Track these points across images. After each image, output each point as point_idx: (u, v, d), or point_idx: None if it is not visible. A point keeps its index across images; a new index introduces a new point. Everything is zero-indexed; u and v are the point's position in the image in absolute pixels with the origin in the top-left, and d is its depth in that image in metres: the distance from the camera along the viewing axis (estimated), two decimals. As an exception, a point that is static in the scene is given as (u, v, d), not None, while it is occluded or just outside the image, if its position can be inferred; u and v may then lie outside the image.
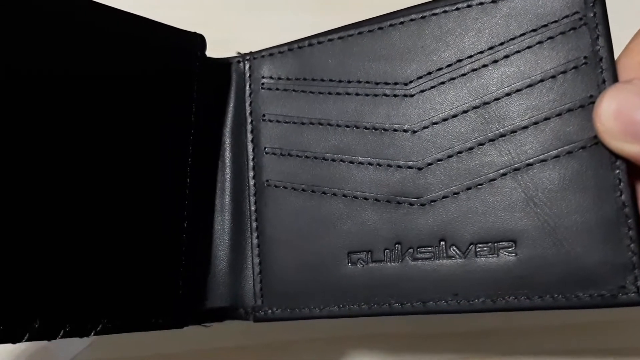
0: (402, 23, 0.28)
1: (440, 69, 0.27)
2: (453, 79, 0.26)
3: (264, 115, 0.31)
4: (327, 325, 0.35)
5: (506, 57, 0.25)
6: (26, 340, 0.23)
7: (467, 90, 0.26)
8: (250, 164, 0.31)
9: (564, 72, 0.24)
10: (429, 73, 0.27)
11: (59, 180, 0.25)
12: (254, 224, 0.30)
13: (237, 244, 0.30)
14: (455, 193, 0.25)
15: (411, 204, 0.26)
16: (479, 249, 0.25)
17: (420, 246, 0.26)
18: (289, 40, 0.31)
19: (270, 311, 0.29)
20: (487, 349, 0.35)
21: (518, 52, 0.25)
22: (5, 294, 0.23)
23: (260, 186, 0.30)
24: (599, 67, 0.24)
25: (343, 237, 0.27)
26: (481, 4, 0.26)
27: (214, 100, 0.32)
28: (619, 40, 0.24)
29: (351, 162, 0.28)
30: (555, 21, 0.25)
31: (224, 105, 0.32)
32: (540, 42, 0.25)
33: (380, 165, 0.27)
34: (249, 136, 0.31)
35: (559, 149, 0.24)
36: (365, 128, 0.28)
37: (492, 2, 0.26)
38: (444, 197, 0.26)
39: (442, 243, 0.25)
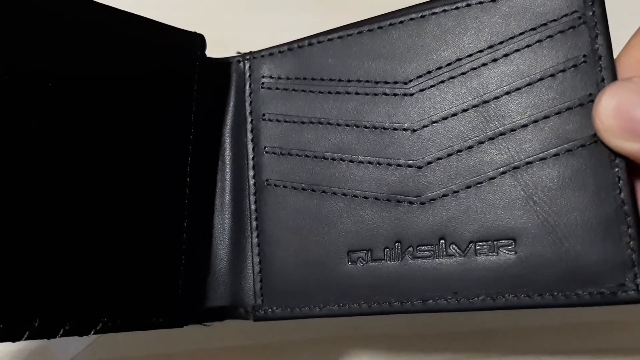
0: (401, 22, 0.28)
1: (440, 67, 0.27)
2: (453, 77, 0.26)
3: (263, 115, 0.31)
4: (327, 325, 0.35)
5: (506, 55, 0.25)
6: (26, 339, 0.23)
7: (466, 89, 0.26)
8: (250, 163, 0.31)
9: (563, 71, 0.24)
10: (429, 72, 0.27)
11: (58, 179, 0.25)
12: (254, 223, 0.30)
13: (237, 243, 0.30)
14: (455, 191, 0.25)
15: (411, 203, 0.26)
16: (478, 248, 0.25)
17: (420, 245, 0.26)
18: (289, 40, 0.31)
19: (270, 310, 0.29)
20: (487, 349, 0.35)
21: (517, 50, 0.25)
22: (5, 292, 0.23)
23: (260, 185, 0.30)
24: (598, 66, 0.24)
25: (343, 236, 0.27)
26: (480, 3, 0.26)
27: (214, 100, 0.32)
28: (618, 39, 0.24)
29: (351, 161, 0.28)
30: (555, 20, 0.25)
31: (223, 104, 0.32)
32: (539, 41, 0.25)
33: (380, 164, 0.27)
34: (249, 135, 0.31)
35: (559, 147, 0.24)
36: (365, 127, 0.28)
37: (491, 1, 0.26)
38: (444, 195, 0.26)
39: (442, 241, 0.25)
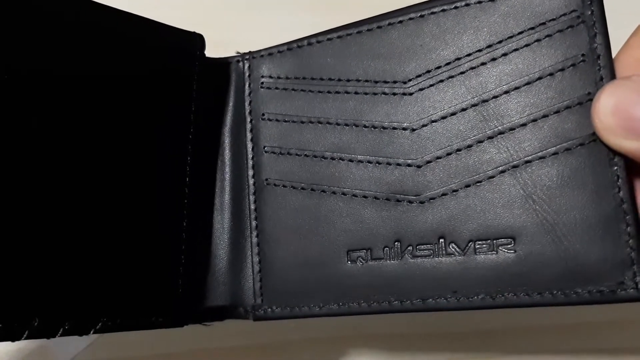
0: (401, 22, 0.28)
1: (439, 67, 0.27)
2: (452, 77, 0.26)
3: (263, 114, 0.31)
4: (327, 325, 0.35)
5: (505, 55, 0.25)
6: (25, 338, 0.23)
7: (465, 89, 0.26)
8: (250, 162, 0.31)
9: (562, 70, 0.24)
10: (428, 71, 0.27)
11: (57, 178, 0.25)
12: (254, 223, 0.30)
13: (236, 242, 0.30)
14: (454, 190, 0.26)
15: (410, 202, 0.26)
16: (478, 246, 0.25)
17: (420, 244, 0.26)
18: (289, 39, 0.31)
19: (270, 310, 0.29)
20: (487, 348, 0.35)
21: (516, 50, 0.25)
22: (5, 291, 0.23)
23: (259, 185, 0.30)
24: (597, 65, 0.24)
25: (342, 235, 0.27)
26: (479, 2, 0.26)
27: (214, 100, 0.32)
28: (617, 39, 0.24)
29: (350, 161, 0.28)
30: (553, 19, 0.25)
31: (223, 104, 0.32)
32: (538, 40, 0.25)
33: (379, 164, 0.27)
34: (249, 135, 0.31)
35: (558, 146, 0.24)
36: (365, 126, 0.28)
37: (490, 0, 0.26)
38: (443, 194, 0.26)
39: (442, 240, 0.25)
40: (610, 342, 0.35)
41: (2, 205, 0.23)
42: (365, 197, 0.27)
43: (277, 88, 0.31)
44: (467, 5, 0.26)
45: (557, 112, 0.24)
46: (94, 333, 0.25)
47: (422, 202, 0.26)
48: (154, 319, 0.27)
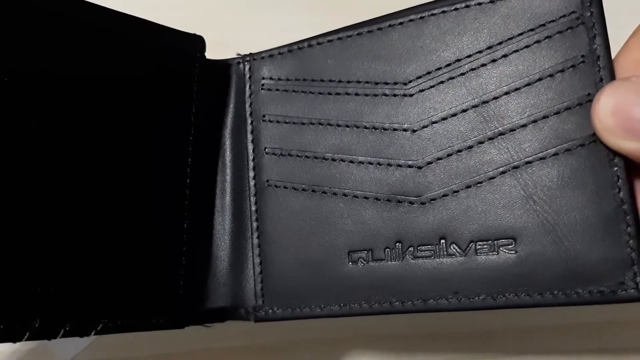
0: (401, 24, 0.28)
1: (439, 68, 0.27)
2: (452, 78, 0.26)
3: (264, 116, 0.31)
4: (327, 326, 0.35)
5: (505, 56, 0.26)
6: (26, 340, 0.23)
7: (466, 90, 0.26)
8: (251, 164, 0.31)
9: (562, 71, 0.24)
10: (428, 73, 0.27)
11: (58, 179, 0.25)
12: (255, 224, 0.30)
13: (237, 244, 0.30)
14: (455, 191, 0.26)
15: (411, 203, 0.26)
16: (479, 247, 0.25)
17: (421, 244, 0.26)
18: (289, 40, 0.31)
19: (271, 311, 0.29)
20: (488, 349, 0.35)
21: (516, 51, 0.25)
22: (6, 293, 0.23)
23: (260, 186, 0.30)
24: (597, 66, 0.24)
25: (343, 236, 0.27)
26: (479, 4, 0.26)
27: (214, 102, 0.32)
28: (616, 40, 0.24)
29: (351, 162, 0.28)
30: (553, 21, 0.25)
31: (224, 106, 0.32)
32: (538, 42, 0.25)
33: (380, 165, 0.27)
34: (249, 137, 0.31)
35: (558, 147, 0.24)
36: (365, 128, 0.28)
37: (490, 2, 0.26)
38: (444, 195, 0.26)
39: (443, 241, 0.26)
40: (611, 343, 0.35)
41: (2, 206, 0.23)
42: (366, 198, 0.27)
43: (277, 90, 0.31)
44: (467, 7, 0.27)
45: (557, 113, 0.24)
46: (94, 334, 0.25)
47: (423, 203, 0.26)
48: (155, 320, 0.27)
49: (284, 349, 0.36)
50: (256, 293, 0.29)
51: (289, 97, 0.30)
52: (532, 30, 0.25)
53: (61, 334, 0.24)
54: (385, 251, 0.27)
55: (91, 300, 0.25)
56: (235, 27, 0.42)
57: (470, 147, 0.26)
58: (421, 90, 0.27)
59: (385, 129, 0.28)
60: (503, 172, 0.25)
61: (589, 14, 0.24)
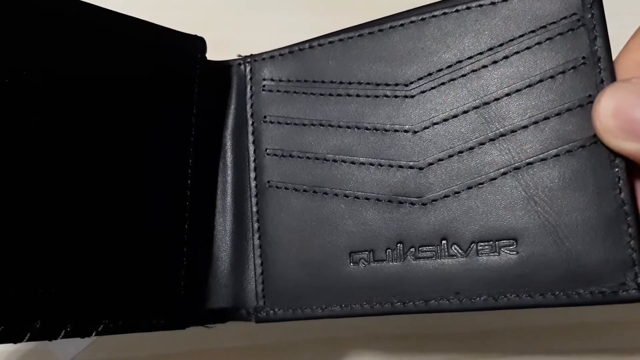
0: (402, 25, 0.28)
1: (440, 70, 0.27)
2: (453, 79, 0.26)
3: (265, 117, 0.31)
4: (328, 326, 0.35)
5: (506, 57, 0.26)
6: (27, 340, 0.23)
7: (467, 91, 0.26)
8: (252, 165, 0.31)
9: (562, 73, 0.25)
10: (429, 74, 0.27)
11: (59, 180, 0.25)
12: (256, 225, 0.30)
13: (238, 245, 0.30)
14: (456, 192, 0.26)
15: (412, 204, 0.26)
16: (480, 248, 0.25)
17: (422, 245, 0.26)
18: (289, 40, 0.31)
19: (272, 312, 0.29)
20: (488, 349, 0.35)
21: (517, 53, 0.25)
22: (6, 293, 0.23)
23: (261, 187, 0.30)
24: (597, 67, 0.24)
25: (345, 237, 0.27)
26: (480, 5, 0.26)
27: (215, 103, 0.32)
28: (617, 41, 0.25)
29: (352, 163, 0.28)
30: (554, 22, 0.25)
31: (224, 107, 0.32)
32: (539, 43, 0.25)
33: (381, 166, 0.27)
34: (250, 138, 0.31)
35: (559, 148, 0.24)
36: (366, 129, 0.28)
37: (491, 3, 0.26)
38: (445, 196, 0.26)
39: (444, 242, 0.26)
40: (611, 343, 0.35)
41: (3, 207, 0.23)
42: (367, 199, 0.27)
43: (278, 91, 0.31)
44: (468, 8, 0.27)
45: (558, 114, 0.24)
46: (95, 335, 0.25)
47: (424, 204, 0.26)
48: (156, 321, 0.27)
49: (284, 349, 0.36)
50: (257, 294, 0.29)
51: (290, 98, 0.30)
52: (533, 31, 0.25)
53: (62, 334, 0.24)
54: (386, 252, 0.27)
55: (92, 301, 0.25)
56: (235, 28, 0.42)
57: (471, 148, 0.26)
58: (422, 92, 0.27)
59: (386, 130, 0.28)
60: (504, 173, 0.25)
61: (589, 16, 0.24)
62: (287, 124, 0.30)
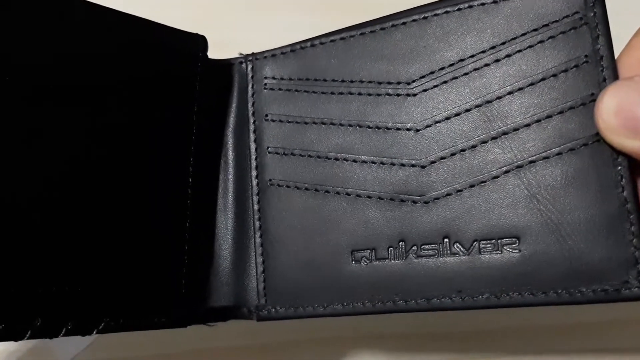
0: (404, 24, 0.28)
1: (442, 68, 0.27)
2: (455, 78, 0.26)
3: (266, 115, 0.31)
4: (328, 326, 0.35)
5: (508, 56, 0.26)
6: (28, 338, 0.23)
7: (469, 89, 0.26)
8: (253, 163, 0.31)
9: (565, 71, 0.25)
10: (432, 72, 0.27)
11: (60, 178, 0.25)
12: (257, 223, 0.30)
13: (240, 243, 0.30)
14: (458, 191, 0.26)
15: (415, 202, 0.26)
16: (482, 246, 0.25)
17: (424, 243, 0.26)
18: (289, 40, 0.31)
19: (273, 310, 0.28)
20: (488, 349, 0.35)
21: (520, 51, 0.25)
22: (7, 291, 0.23)
23: (263, 185, 0.30)
24: (600, 66, 0.24)
25: (346, 236, 0.27)
26: (482, 4, 0.26)
27: (216, 101, 0.32)
28: (618, 40, 0.25)
29: (354, 161, 0.28)
30: (556, 21, 0.25)
31: (226, 105, 0.32)
32: (541, 42, 0.25)
33: (383, 164, 0.27)
34: (252, 136, 0.31)
35: (561, 146, 0.24)
36: (369, 127, 0.28)
37: (493, 2, 0.26)
38: (448, 194, 0.26)
39: (446, 240, 0.26)
40: (611, 342, 0.35)
41: (4, 206, 0.23)
42: (369, 197, 0.27)
43: (280, 89, 0.31)
44: (470, 7, 0.27)
45: (560, 112, 0.24)
46: (96, 333, 0.25)
47: (426, 202, 0.26)
48: (157, 319, 0.27)
49: (284, 348, 0.36)
50: (259, 292, 0.29)
51: (292, 97, 0.30)
52: (535, 30, 0.25)
53: (63, 332, 0.24)
54: (388, 250, 0.27)
55: (93, 299, 0.25)
56: (235, 28, 0.42)
57: (473, 146, 0.26)
58: (424, 90, 0.27)
59: (388, 129, 0.28)
60: (507, 172, 0.25)
61: (592, 15, 0.24)
62: (289, 122, 0.30)
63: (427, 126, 0.27)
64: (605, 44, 0.24)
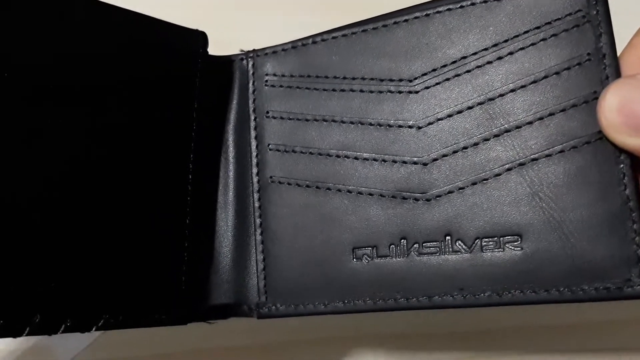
0: (406, 21, 0.28)
1: (445, 65, 0.27)
2: (458, 75, 0.26)
3: (267, 112, 0.31)
4: (329, 325, 0.35)
5: (510, 54, 0.26)
6: (27, 335, 0.23)
7: (471, 87, 0.26)
8: (254, 160, 0.30)
9: (567, 69, 0.25)
10: (434, 70, 0.27)
11: (59, 175, 0.25)
12: (258, 221, 0.30)
13: (240, 240, 0.30)
14: (460, 188, 0.26)
15: (416, 199, 0.26)
16: (484, 244, 0.25)
17: (426, 241, 0.26)
18: (288, 40, 0.31)
19: (274, 307, 0.28)
20: (489, 348, 0.35)
21: (522, 49, 0.25)
22: (6, 287, 0.23)
23: (264, 183, 0.30)
24: (602, 64, 0.24)
25: (348, 233, 0.27)
26: (485, 2, 0.26)
27: (217, 98, 0.32)
28: (620, 39, 0.25)
29: (356, 158, 0.28)
30: (559, 19, 0.25)
31: (226, 102, 0.32)
32: (544, 40, 0.25)
33: (385, 161, 0.27)
34: (253, 133, 0.31)
35: (564, 144, 0.24)
36: (370, 124, 0.28)
37: (495, 0, 0.26)
38: (450, 192, 0.26)
39: (448, 238, 0.25)
40: (611, 342, 0.35)
41: (4, 203, 0.23)
42: (370, 194, 0.27)
43: (281, 86, 0.31)
44: (472, 4, 0.27)
45: (563, 110, 0.24)
46: (95, 330, 0.25)
47: (428, 200, 0.26)
48: (157, 317, 0.27)
49: (285, 348, 0.36)
50: (259, 289, 0.29)
51: (293, 94, 0.30)
52: (538, 28, 0.25)
53: (62, 329, 0.24)
54: (390, 248, 0.26)
55: (92, 296, 0.25)
56: (235, 28, 0.42)
57: (475, 144, 0.26)
58: (426, 87, 0.27)
59: (390, 126, 0.27)
60: (509, 169, 0.25)
61: (595, 12, 0.24)
62: (290, 119, 0.30)
63: (429, 123, 0.27)
64: (607, 42, 0.24)
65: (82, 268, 0.25)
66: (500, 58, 0.26)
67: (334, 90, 0.29)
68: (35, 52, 0.25)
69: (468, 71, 0.26)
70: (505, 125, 0.25)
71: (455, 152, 0.26)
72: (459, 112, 0.26)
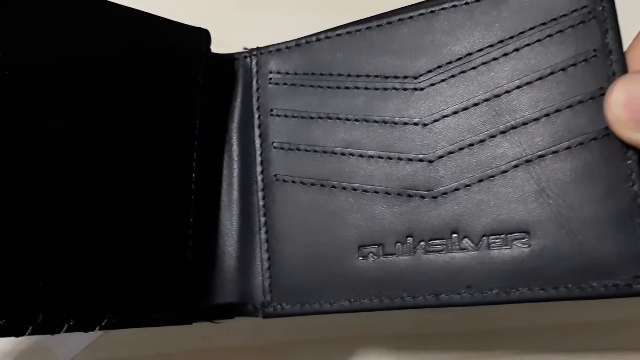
0: (411, 18, 0.28)
1: (450, 62, 0.27)
2: (463, 72, 0.26)
3: (271, 110, 0.31)
4: (332, 325, 0.35)
5: (516, 50, 0.25)
6: (29, 334, 0.23)
7: (477, 83, 0.26)
8: (258, 158, 0.30)
9: (574, 65, 0.24)
10: (439, 66, 0.27)
11: (61, 174, 0.25)
12: (263, 219, 0.29)
13: (245, 239, 0.30)
14: (467, 185, 0.25)
15: (422, 197, 0.26)
16: (491, 241, 0.25)
17: (432, 239, 0.26)
18: (289, 39, 0.31)
19: (279, 307, 0.28)
20: (492, 348, 0.35)
21: (528, 45, 0.25)
22: (9, 286, 0.22)
23: (268, 181, 0.30)
24: (609, 60, 0.24)
25: (353, 231, 0.27)
26: None
27: (220, 96, 0.31)
28: (627, 34, 0.25)
29: (361, 156, 0.28)
30: (565, 15, 0.25)
31: (230, 100, 0.32)
32: (550, 36, 0.25)
33: (390, 159, 0.27)
34: (257, 131, 0.31)
35: (571, 140, 0.24)
36: (375, 122, 0.28)
37: None
38: (456, 189, 0.26)
39: (455, 235, 0.25)
40: (613, 342, 0.35)
41: (4, 204, 0.23)
42: (376, 192, 0.27)
43: (285, 84, 0.30)
44: (478, 1, 0.26)
45: (569, 106, 0.24)
46: (99, 329, 0.25)
47: (434, 197, 0.26)
48: (160, 316, 0.27)
49: (287, 348, 0.35)
50: (264, 289, 0.29)
51: (297, 91, 0.30)
52: (544, 24, 0.25)
53: (65, 328, 0.24)
54: (396, 246, 0.26)
55: (95, 295, 0.25)
56: (236, 28, 0.42)
57: (482, 140, 0.25)
58: (432, 84, 0.27)
59: (395, 123, 0.27)
60: (516, 166, 0.25)
61: (600, 8, 0.24)
62: (294, 117, 0.30)
63: (435, 121, 0.27)
64: (614, 38, 0.24)
65: (85, 267, 0.25)
66: (505, 54, 0.26)
67: (338, 87, 0.29)
68: (36, 52, 0.25)
69: (473, 68, 0.26)
70: (512, 122, 0.25)
71: (461, 149, 0.26)
72: (465, 108, 0.26)
